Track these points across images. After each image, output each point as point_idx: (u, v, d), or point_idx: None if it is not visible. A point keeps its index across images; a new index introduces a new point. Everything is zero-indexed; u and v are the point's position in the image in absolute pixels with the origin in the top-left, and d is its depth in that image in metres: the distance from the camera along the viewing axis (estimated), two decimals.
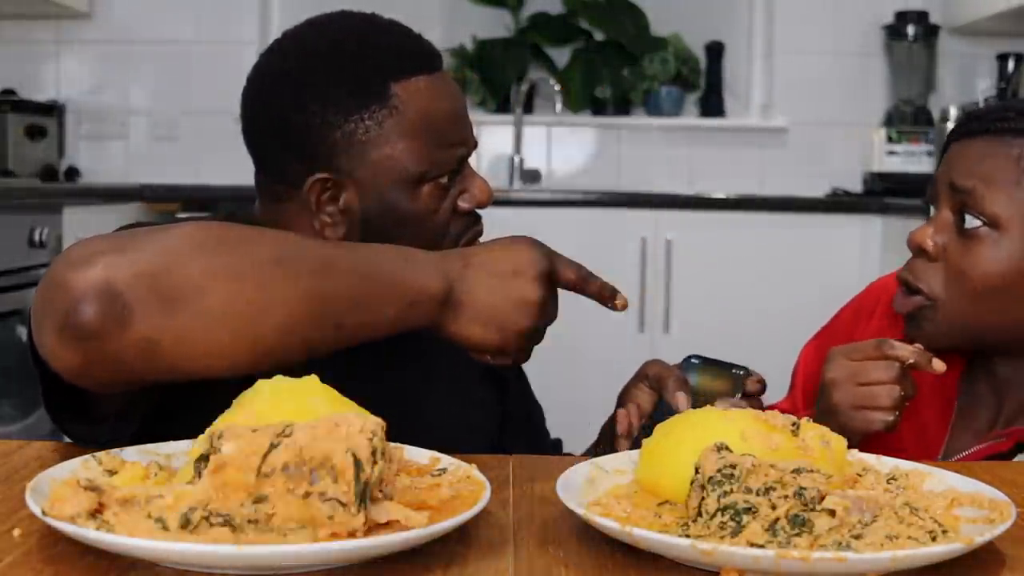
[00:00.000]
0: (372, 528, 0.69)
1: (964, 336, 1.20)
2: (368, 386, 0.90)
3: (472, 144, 1.18)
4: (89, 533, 0.65)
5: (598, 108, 4.13)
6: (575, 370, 3.44)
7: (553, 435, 1.46)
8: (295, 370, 0.86)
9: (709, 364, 1.20)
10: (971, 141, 1.19)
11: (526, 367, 1.43)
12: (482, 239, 1.18)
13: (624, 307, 1.02)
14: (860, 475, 0.86)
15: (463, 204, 1.17)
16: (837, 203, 3.60)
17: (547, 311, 0.97)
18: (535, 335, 0.98)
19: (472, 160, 1.22)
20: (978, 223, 1.16)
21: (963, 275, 1.17)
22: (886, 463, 0.89)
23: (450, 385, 1.27)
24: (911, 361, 1.09)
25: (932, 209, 1.23)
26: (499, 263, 0.96)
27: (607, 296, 1.02)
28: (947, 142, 1.24)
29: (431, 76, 1.14)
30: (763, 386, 1.17)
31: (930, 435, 1.22)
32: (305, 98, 1.12)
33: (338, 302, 0.90)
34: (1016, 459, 1.17)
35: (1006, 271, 1.15)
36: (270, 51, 1.17)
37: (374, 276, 0.92)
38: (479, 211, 1.20)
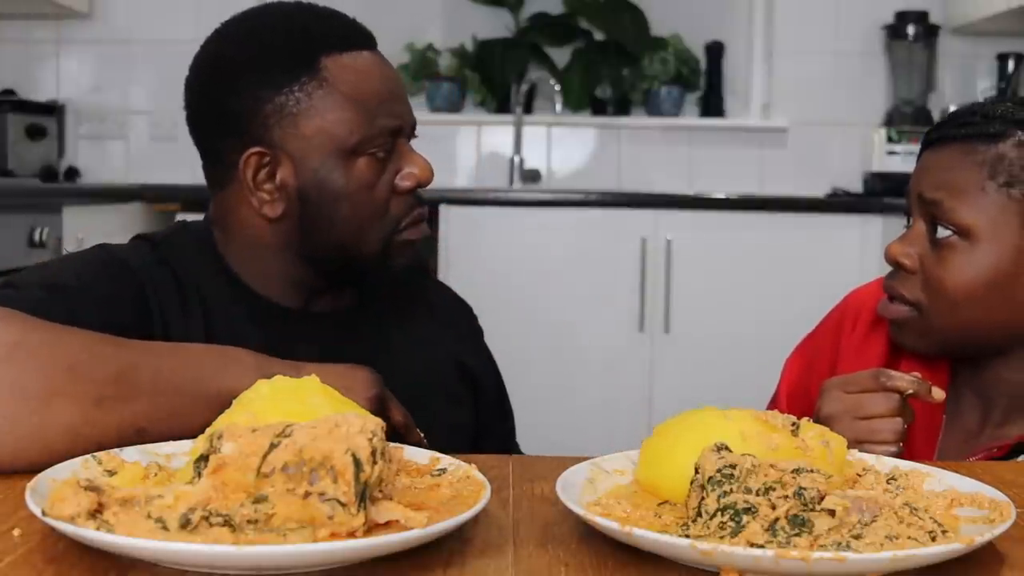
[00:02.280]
0: (372, 528, 0.69)
1: (949, 341, 1.20)
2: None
3: (409, 122, 1.20)
4: (89, 533, 0.65)
5: (598, 108, 4.12)
6: (575, 370, 3.44)
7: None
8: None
9: None
10: (939, 150, 1.20)
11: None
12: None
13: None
14: (860, 475, 0.86)
15: (402, 183, 1.18)
16: (837, 203, 3.60)
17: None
18: None
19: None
20: (949, 233, 1.17)
21: (940, 284, 1.17)
22: (886, 463, 0.89)
23: (431, 381, 1.27)
24: (910, 391, 1.08)
25: (908, 219, 1.24)
26: (333, 378, 0.95)
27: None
28: (920, 151, 1.24)
29: (362, 53, 1.17)
30: None
31: (919, 443, 1.22)
32: (237, 76, 1.15)
33: (136, 410, 0.92)
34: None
35: (981, 278, 1.16)
36: (207, 40, 1.21)
37: (178, 383, 0.94)
38: (425, 200, 1.22)
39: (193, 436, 0.87)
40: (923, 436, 1.21)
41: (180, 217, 3.33)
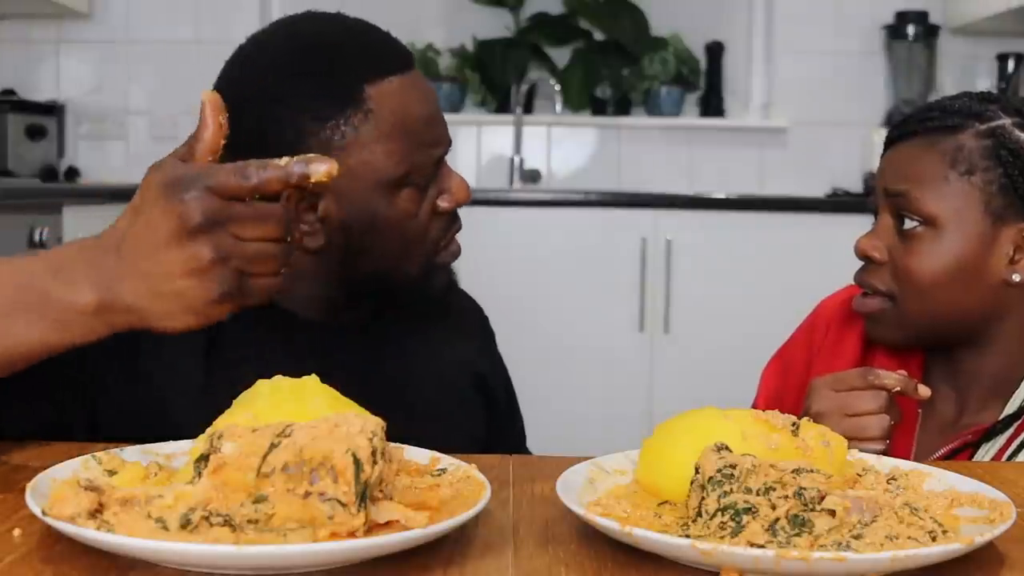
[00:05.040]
0: (372, 528, 0.69)
1: (923, 330, 1.23)
2: (352, 385, 0.89)
3: (447, 143, 1.17)
4: (89, 533, 0.65)
5: (598, 108, 4.13)
6: (575, 370, 3.44)
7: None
8: (291, 369, 0.86)
9: None
10: (901, 145, 1.24)
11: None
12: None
13: (329, 172, 0.81)
14: (860, 475, 0.86)
15: (442, 204, 1.15)
16: (837, 203, 3.60)
17: (233, 257, 0.79)
18: (240, 287, 0.80)
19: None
20: (915, 223, 1.20)
21: (910, 274, 1.21)
22: (886, 463, 0.89)
23: (449, 392, 1.26)
24: (897, 389, 1.11)
25: (876, 216, 1.27)
26: (144, 240, 0.80)
27: (303, 179, 0.81)
28: (883, 149, 1.28)
29: (403, 76, 1.12)
30: None
31: (898, 438, 1.24)
32: (279, 109, 1.09)
33: None
34: (986, 447, 1.20)
35: (949, 264, 1.19)
36: (240, 62, 1.14)
37: (4, 293, 0.83)
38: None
39: (35, 359, 0.85)
40: (900, 431, 1.23)
41: None
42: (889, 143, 1.27)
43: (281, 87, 1.10)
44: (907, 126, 1.24)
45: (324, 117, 1.09)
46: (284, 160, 0.80)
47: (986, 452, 1.20)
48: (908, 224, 1.21)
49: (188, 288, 0.79)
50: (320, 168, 0.80)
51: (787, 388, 1.37)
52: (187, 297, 0.79)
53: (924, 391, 1.12)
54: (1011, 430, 1.19)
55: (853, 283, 1.33)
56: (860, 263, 1.26)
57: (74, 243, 0.86)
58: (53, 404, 1.03)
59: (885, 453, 1.08)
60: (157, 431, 0.92)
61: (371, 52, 1.12)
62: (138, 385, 1.08)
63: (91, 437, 1.03)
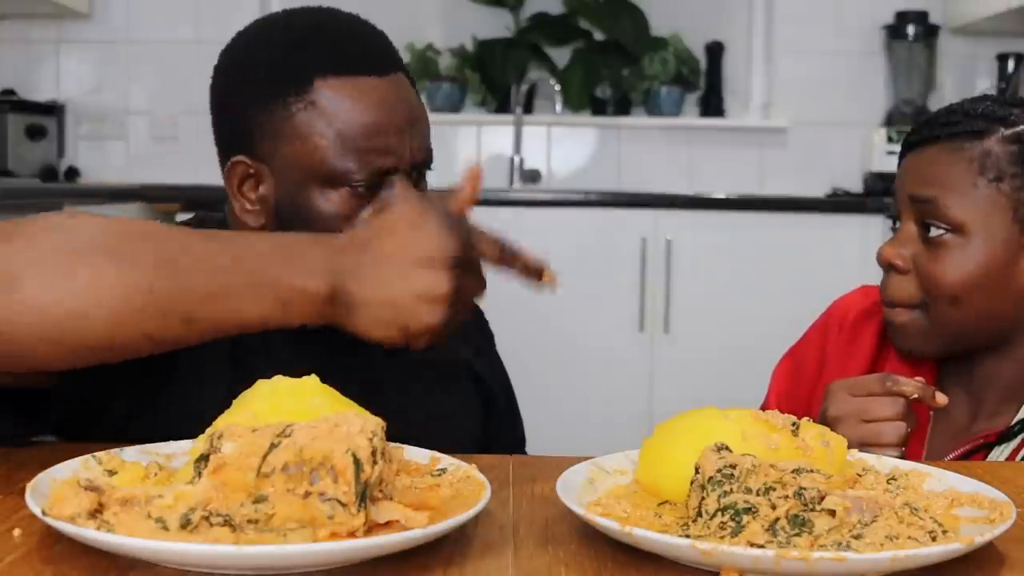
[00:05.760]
0: (372, 528, 0.69)
1: (952, 341, 1.22)
2: (349, 384, 0.88)
3: (407, 160, 1.14)
4: (89, 533, 0.65)
5: (598, 108, 4.12)
6: (575, 370, 3.44)
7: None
8: (289, 370, 0.86)
9: None
10: (924, 150, 1.22)
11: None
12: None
13: (553, 282, 0.94)
14: (860, 475, 0.86)
15: None
16: (837, 203, 3.60)
17: (457, 302, 0.88)
18: (446, 327, 0.89)
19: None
20: (942, 231, 1.19)
21: (937, 283, 1.19)
22: (886, 463, 0.89)
23: (434, 383, 1.26)
24: (915, 396, 1.10)
25: (896, 222, 1.25)
26: (402, 250, 0.87)
27: (532, 272, 0.94)
28: (901, 153, 1.26)
29: (361, 79, 1.11)
30: None
31: (909, 442, 1.23)
32: (233, 83, 1.15)
33: (184, 296, 0.85)
34: (999, 450, 1.19)
35: (977, 272, 1.18)
36: (231, 39, 1.20)
37: (234, 270, 0.86)
38: None
39: (252, 330, 0.88)
40: (912, 435, 1.23)
41: (180, 217, 3.33)
42: (909, 147, 1.24)
43: (241, 63, 1.15)
44: (930, 130, 1.22)
45: (268, 99, 1.11)
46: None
47: (1000, 454, 1.19)
48: (934, 232, 1.19)
49: (414, 308, 0.86)
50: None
51: (799, 387, 1.37)
52: (407, 316, 0.87)
53: (941, 399, 1.11)
54: None
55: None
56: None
57: (297, 235, 0.92)
58: (91, 382, 1.01)
59: (901, 459, 1.08)
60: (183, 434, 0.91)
61: (336, 47, 1.13)
62: (167, 390, 1.08)
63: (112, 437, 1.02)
